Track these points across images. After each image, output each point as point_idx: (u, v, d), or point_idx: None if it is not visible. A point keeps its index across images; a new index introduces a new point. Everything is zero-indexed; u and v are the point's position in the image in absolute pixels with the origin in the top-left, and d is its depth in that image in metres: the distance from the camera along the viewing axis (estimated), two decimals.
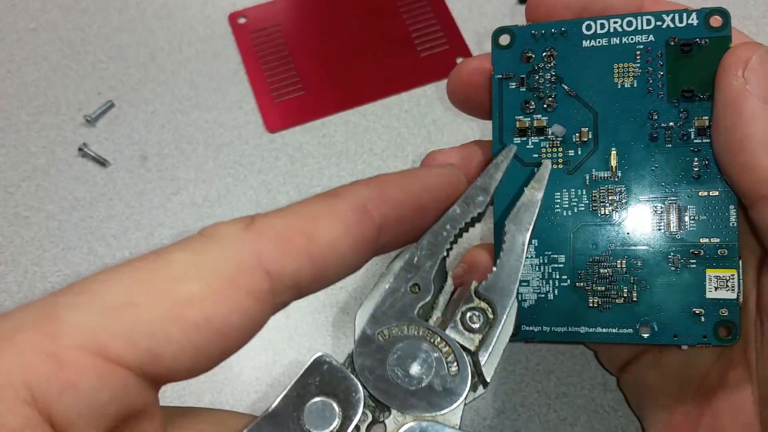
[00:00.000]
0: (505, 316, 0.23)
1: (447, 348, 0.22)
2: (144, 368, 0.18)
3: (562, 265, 0.29)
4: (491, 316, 0.23)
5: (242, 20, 0.50)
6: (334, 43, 0.49)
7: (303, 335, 0.40)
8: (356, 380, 0.21)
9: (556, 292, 0.29)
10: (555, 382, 0.37)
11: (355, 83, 0.47)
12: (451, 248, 0.24)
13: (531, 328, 0.29)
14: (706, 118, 0.27)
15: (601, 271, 0.29)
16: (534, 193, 0.26)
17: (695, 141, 0.27)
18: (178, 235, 0.43)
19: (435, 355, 0.22)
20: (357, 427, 0.21)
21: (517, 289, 0.24)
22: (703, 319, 0.27)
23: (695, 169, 0.27)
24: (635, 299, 0.28)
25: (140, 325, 0.18)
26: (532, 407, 0.37)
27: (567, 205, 0.29)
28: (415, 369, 0.22)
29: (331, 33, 0.49)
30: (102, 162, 0.45)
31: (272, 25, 0.50)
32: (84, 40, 0.50)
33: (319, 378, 0.21)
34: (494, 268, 0.24)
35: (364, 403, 0.21)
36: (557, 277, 0.29)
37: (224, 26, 0.50)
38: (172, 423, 0.21)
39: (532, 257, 0.29)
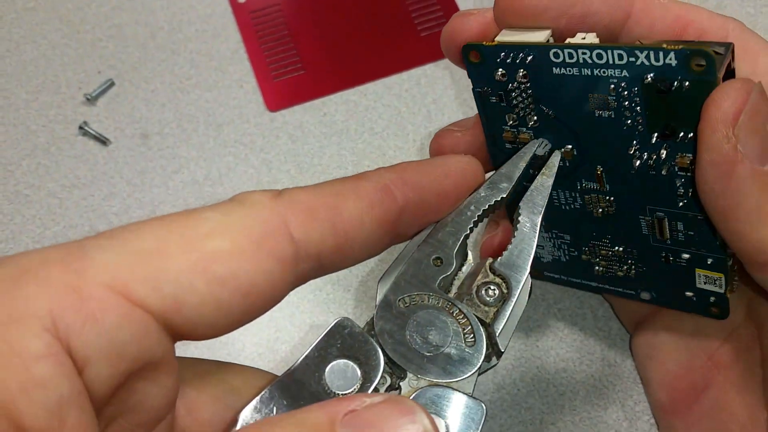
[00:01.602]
0: (518, 291, 0.24)
1: (464, 320, 0.23)
2: (165, 316, 0.18)
3: (568, 242, 0.31)
4: (505, 290, 0.24)
5: None
6: (333, 23, 0.49)
7: (305, 312, 0.40)
8: (376, 344, 0.22)
9: (566, 257, 0.31)
10: (554, 357, 0.38)
11: (355, 62, 0.47)
12: (474, 227, 0.25)
13: (551, 275, 0.33)
14: (689, 156, 0.24)
15: (602, 252, 0.30)
16: (545, 179, 0.26)
17: (679, 173, 0.25)
18: None
19: (453, 325, 0.23)
20: (376, 390, 0.22)
21: (531, 265, 0.24)
22: (695, 299, 0.29)
23: (680, 197, 0.26)
24: (633, 275, 0.30)
25: (166, 272, 0.18)
26: (531, 382, 0.37)
27: (564, 202, 0.29)
28: (433, 336, 0.23)
29: (331, 12, 0.49)
30: (103, 140, 0.45)
31: (272, 4, 0.49)
32: (83, 18, 0.50)
33: (341, 341, 0.22)
34: (509, 246, 0.25)
35: (383, 365, 0.22)
36: (566, 248, 0.31)
37: (224, 5, 0.50)
38: (198, 373, 0.22)
39: (543, 232, 0.31)
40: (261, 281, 0.19)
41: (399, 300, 0.23)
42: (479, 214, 0.25)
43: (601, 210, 0.29)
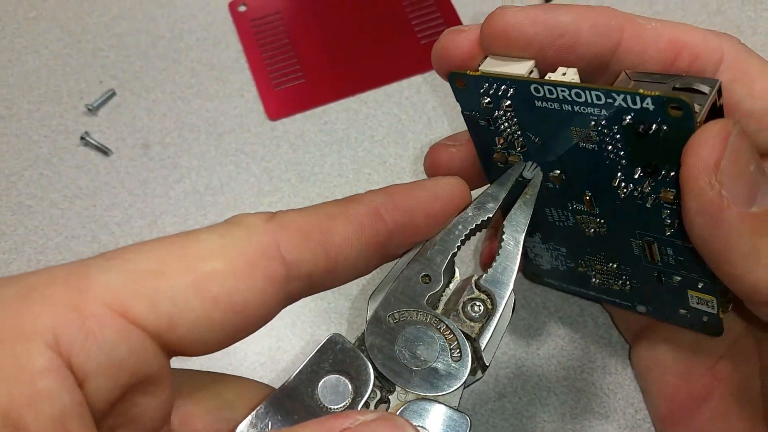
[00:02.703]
0: (503, 306, 0.25)
1: (451, 335, 0.24)
2: (161, 334, 0.19)
3: (564, 254, 0.31)
4: (490, 306, 0.25)
5: (242, 8, 0.50)
6: (334, 31, 0.49)
7: (306, 322, 0.40)
8: (367, 360, 0.23)
9: (564, 267, 0.32)
10: (555, 366, 0.38)
11: (356, 71, 0.48)
12: (461, 246, 0.26)
13: (551, 281, 0.34)
14: (673, 191, 0.24)
15: (597, 266, 0.31)
16: (527, 198, 0.27)
17: (665, 204, 0.25)
18: (180, 223, 0.43)
19: (440, 341, 0.24)
20: (367, 404, 0.23)
21: (514, 282, 0.25)
22: (688, 316, 0.30)
23: (667, 223, 0.26)
24: (628, 290, 0.30)
25: (163, 291, 0.19)
26: (532, 391, 0.37)
27: (558, 219, 0.30)
28: (420, 351, 0.24)
29: (331, 21, 0.49)
30: (104, 150, 0.45)
31: (272, 12, 0.50)
32: (84, 28, 0.50)
33: (333, 356, 0.23)
34: (494, 263, 0.26)
35: (373, 380, 0.23)
36: (563, 260, 0.32)
37: (224, 14, 0.50)
38: (194, 386, 0.23)
39: (540, 243, 0.32)
40: (253, 300, 0.20)
41: (389, 316, 0.24)
42: (466, 233, 0.26)
43: (592, 230, 0.29)
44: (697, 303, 0.28)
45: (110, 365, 0.18)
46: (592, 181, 0.27)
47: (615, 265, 0.30)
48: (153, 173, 0.45)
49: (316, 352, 0.23)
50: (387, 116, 0.46)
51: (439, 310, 0.26)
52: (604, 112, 0.23)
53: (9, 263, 0.43)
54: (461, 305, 0.25)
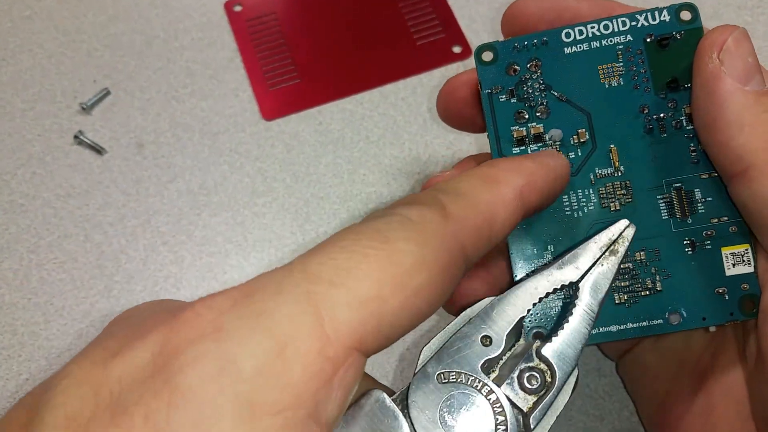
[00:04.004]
0: (563, 382, 0.23)
1: (500, 409, 0.22)
2: (375, 352, 0.19)
3: None
4: (549, 379, 0.23)
5: (238, 8, 0.50)
6: (329, 32, 0.49)
7: None
8: (405, 422, 0.21)
9: None
10: None
11: (351, 71, 0.47)
12: (532, 309, 0.24)
13: None
14: None
15: (622, 266, 0.29)
16: (613, 261, 0.25)
17: (688, 128, 0.28)
18: (174, 222, 0.43)
19: (487, 412, 0.22)
20: None
21: (579, 356, 0.23)
22: (727, 297, 0.28)
23: (693, 154, 0.28)
24: (660, 289, 0.28)
25: (386, 317, 0.19)
26: None
27: (577, 206, 0.29)
28: (463, 420, 0.22)
29: (327, 21, 0.49)
30: (98, 150, 0.45)
31: (268, 13, 0.49)
32: (79, 27, 0.50)
33: (370, 414, 0.21)
34: (560, 331, 0.23)
35: None
36: None
37: (220, 14, 0.50)
38: None
39: (541, 294, 0.29)
40: (441, 302, 0.21)
41: (438, 374, 0.22)
42: (541, 296, 0.24)
43: (617, 202, 0.28)
44: (733, 265, 0.28)
45: (348, 403, 0.19)
46: (617, 125, 0.28)
47: (643, 253, 0.29)
48: (147, 172, 0.45)
49: (352, 406, 0.21)
50: (383, 117, 0.46)
51: (494, 375, 0.23)
52: (629, 37, 0.28)
53: (1, 262, 0.42)
54: (517, 373, 0.23)
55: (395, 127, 0.46)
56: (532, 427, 0.22)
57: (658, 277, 0.29)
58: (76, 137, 0.45)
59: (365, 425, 0.21)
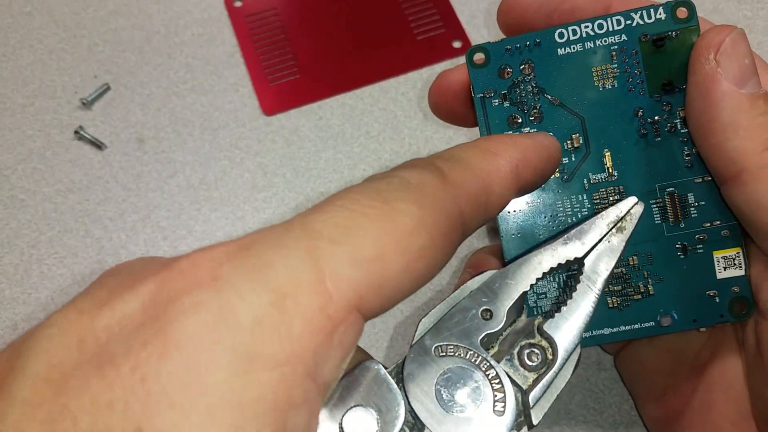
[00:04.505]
0: (564, 360, 0.22)
1: (499, 385, 0.21)
2: (374, 316, 0.19)
3: (575, 271, 0.29)
4: (550, 356, 0.22)
5: (238, 3, 0.50)
6: (329, 27, 0.49)
7: None
8: (400, 395, 0.21)
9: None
10: None
11: (351, 67, 0.47)
12: (534, 284, 0.23)
13: None
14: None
15: (615, 270, 0.28)
16: (619, 237, 0.24)
17: (682, 131, 0.28)
18: (174, 217, 0.43)
19: (485, 388, 0.21)
20: None
21: (582, 334, 0.23)
22: (717, 299, 0.28)
23: (687, 158, 0.28)
24: (652, 293, 0.29)
25: (388, 279, 0.19)
26: None
27: (570, 212, 0.29)
28: (460, 395, 0.21)
29: (327, 17, 0.49)
30: (98, 145, 0.45)
31: (268, 8, 0.49)
32: (79, 23, 0.50)
33: (364, 385, 0.21)
34: (564, 308, 0.23)
35: (404, 418, 0.21)
36: (572, 284, 0.28)
37: (220, 9, 0.50)
38: None
39: (544, 269, 0.29)
40: (440, 267, 0.20)
41: (435, 347, 0.22)
42: (545, 271, 0.23)
43: None
44: (725, 268, 0.28)
45: (344, 363, 0.18)
46: (611, 129, 0.28)
47: (635, 259, 0.29)
48: (147, 167, 0.45)
49: (345, 377, 0.20)
50: (383, 112, 0.46)
51: (493, 350, 0.23)
52: (624, 36, 0.28)
53: (1, 257, 0.42)
54: (518, 349, 0.22)
55: (395, 122, 0.46)
56: (531, 404, 0.21)
57: (650, 281, 0.29)
58: (76, 132, 0.45)
59: (359, 396, 0.20)
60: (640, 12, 0.27)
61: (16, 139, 0.46)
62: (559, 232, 0.27)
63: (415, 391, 0.21)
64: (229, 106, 0.46)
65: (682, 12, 0.27)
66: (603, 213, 0.25)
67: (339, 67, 0.47)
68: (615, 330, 0.29)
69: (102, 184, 0.44)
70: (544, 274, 0.23)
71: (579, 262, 0.24)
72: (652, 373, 0.32)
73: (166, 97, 0.47)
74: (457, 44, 0.48)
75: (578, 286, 0.23)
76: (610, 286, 0.28)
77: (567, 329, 0.22)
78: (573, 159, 0.28)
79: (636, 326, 0.29)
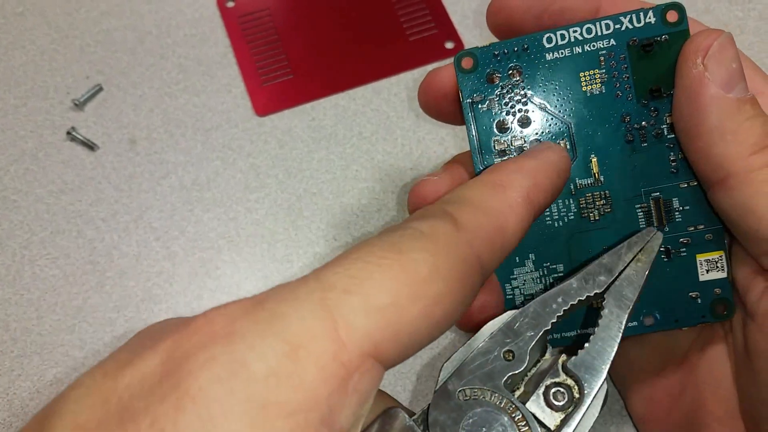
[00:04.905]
0: (591, 398, 0.22)
1: (526, 428, 0.21)
2: (394, 364, 0.19)
3: (561, 274, 0.30)
4: (577, 395, 0.22)
5: (230, 4, 0.50)
6: (322, 28, 0.49)
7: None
8: None
9: None
10: None
11: (344, 67, 0.47)
12: (557, 322, 0.23)
13: None
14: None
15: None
16: (640, 268, 0.24)
17: (669, 137, 0.28)
18: (167, 218, 0.43)
19: (511, 430, 0.21)
20: None
21: (607, 369, 0.22)
22: (699, 300, 0.29)
23: (672, 164, 0.28)
24: None
25: (404, 325, 0.19)
26: None
27: (557, 216, 0.29)
28: None
29: (320, 17, 0.49)
30: (90, 146, 0.45)
31: (261, 9, 0.49)
32: (71, 24, 0.50)
33: None
34: (587, 344, 0.22)
35: None
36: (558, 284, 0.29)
37: (213, 10, 0.50)
38: None
39: (531, 271, 0.29)
40: (460, 314, 0.21)
41: (459, 391, 0.21)
42: (566, 308, 0.23)
43: (597, 212, 0.29)
44: (707, 271, 0.28)
45: (362, 411, 0.18)
46: (598, 134, 0.28)
47: None
48: (139, 168, 0.45)
49: (369, 427, 0.20)
50: (375, 113, 0.46)
51: (518, 392, 0.22)
52: (612, 41, 0.27)
53: None
54: (543, 389, 0.22)
55: (388, 123, 0.46)
56: None
57: None
58: (68, 133, 0.45)
59: None
60: (629, 16, 0.27)
61: (8, 140, 0.46)
62: (579, 266, 0.27)
63: None
64: (222, 106, 0.46)
65: (672, 15, 0.27)
66: (622, 245, 0.24)
67: (332, 68, 0.47)
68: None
69: (94, 185, 0.44)
70: (565, 311, 0.23)
71: (600, 297, 0.23)
72: (640, 371, 0.32)
73: (158, 98, 0.47)
74: (449, 45, 0.48)
75: (600, 321, 0.23)
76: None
77: (592, 365, 0.22)
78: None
79: None
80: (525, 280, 0.29)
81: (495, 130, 0.28)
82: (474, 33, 0.49)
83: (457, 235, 0.21)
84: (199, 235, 0.43)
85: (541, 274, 0.29)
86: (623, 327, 0.23)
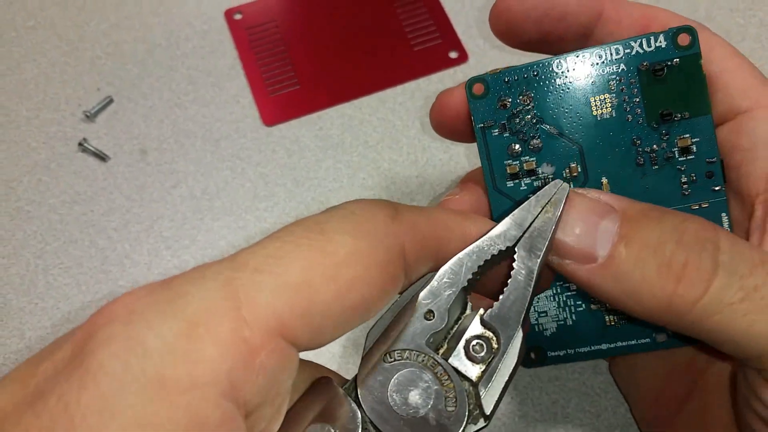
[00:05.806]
0: (508, 347, 0.22)
1: (449, 382, 0.22)
2: (308, 345, 0.19)
3: (574, 292, 0.30)
4: (495, 346, 0.23)
5: (238, 16, 0.51)
6: (328, 38, 0.50)
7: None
8: (355, 407, 0.21)
9: (573, 317, 0.30)
10: (547, 366, 0.38)
11: (350, 77, 0.48)
12: (474, 279, 0.23)
13: (557, 353, 0.30)
14: (688, 136, 0.27)
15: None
16: (548, 218, 0.24)
17: (680, 159, 0.27)
18: (177, 227, 0.44)
19: (436, 387, 0.22)
20: None
21: (524, 319, 0.23)
22: None
23: (684, 186, 0.28)
24: None
25: (315, 305, 0.19)
26: (524, 390, 0.38)
27: None
28: (413, 398, 0.22)
29: (326, 28, 0.50)
30: (102, 156, 0.46)
31: (268, 20, 0.50)
32: (82, 36, 0.51)
33: (319, 402, 0.21)
34: (501, 296, 0.23)
35: (362, 428, 0.21)
36: (572, 303, 0.30)
37: (220, 22, 0.51)
38: None
39: (479, 263, 0.29)
40: (379, 303, 0.21)
41: (385, 355, 0.22)
42: (480, 264, 0.23)
43: None
44: None
45: (275, 393, 0.19)
46: (609, 158, 0.28)
47: None
48: (150, 178, 0.45)
49: (301, 397, 0.21)
50: (381, 122, 0.47)
51: (442, 349, 0.23)
52: (622, 66, 0.27)
53: (8, 267, 0.43)
54: (464, 344, 0.22)
55: (393, 132, 0.46)
56: (482, 395, 0.22)
57: None
58: (80, 144, 0.46)
59: (315, 414, 0.21)
60: (639, 40, 0.27)
61: (21, 152, 0.47)
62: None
63: (368, 399, 0.22)
64: (231, 117, 0.47)
65: (684, 39, 0.27)
66: (529, 199, 0.24)
67: (337, 78, 0.48)
68: (612, 345, 0.30)
69: (106, 195, 0.45)
70: (480, 267, 0.23)
71: (512, 249, 0.24)
72: (646, 378, 0.32)
73: (168, 109, 0.48)
74: (453, 54, 0.49)
75: (512, 273, 0.23)
76: (608, 305, 0.28)
77: (507, 316, 0.23)
78: (572, 186, 0.28)
79: (632, 342, 0.30)
80: (540, 308, 0.30)
81: (506, 154, 0.28)
82: (477, 43, 0.49)
83: (388, 224, 0.21)
84: (209, 243, 0.43)
85: (554, 291, 0.30)
86: (535, 275, 0.23)
